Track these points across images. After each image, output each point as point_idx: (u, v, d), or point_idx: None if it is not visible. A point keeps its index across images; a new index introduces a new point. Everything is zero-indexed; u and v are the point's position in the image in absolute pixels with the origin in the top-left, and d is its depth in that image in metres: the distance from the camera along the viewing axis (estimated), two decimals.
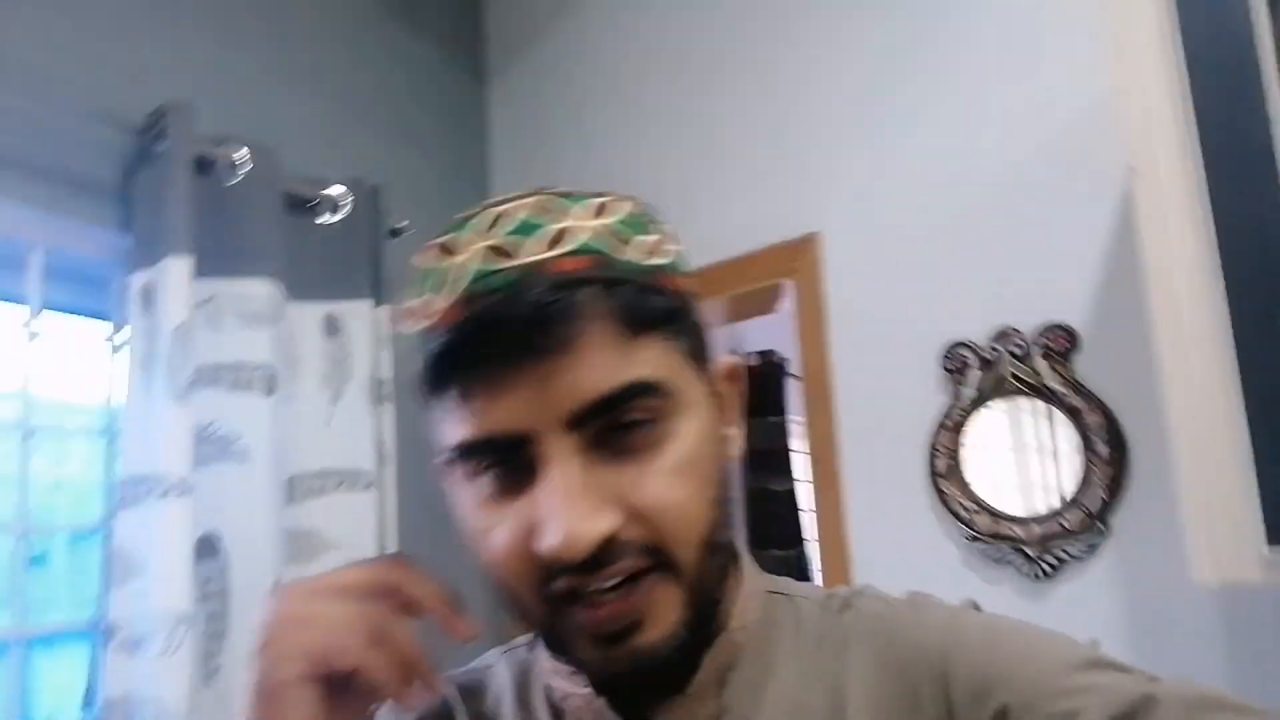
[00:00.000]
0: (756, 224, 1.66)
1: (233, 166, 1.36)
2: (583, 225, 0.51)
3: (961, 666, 0.52)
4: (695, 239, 1.67)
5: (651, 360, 0.51)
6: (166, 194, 1.26)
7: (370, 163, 1.68)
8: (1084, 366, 1.30)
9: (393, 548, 1.48)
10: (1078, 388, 1.30)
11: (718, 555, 0.53)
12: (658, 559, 0.49)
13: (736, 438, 0.59)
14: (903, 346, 1.47)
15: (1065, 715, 0.46)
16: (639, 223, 0.54)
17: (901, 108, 1.51)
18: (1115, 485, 1.26)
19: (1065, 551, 1.30)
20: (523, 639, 0.65)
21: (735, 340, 3.11)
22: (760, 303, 1.82)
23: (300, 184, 1.48)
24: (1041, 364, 1.34)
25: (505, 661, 0.65)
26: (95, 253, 1.34)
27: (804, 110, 1.63)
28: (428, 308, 0.52)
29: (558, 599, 0.49)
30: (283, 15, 1.67)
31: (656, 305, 0.52)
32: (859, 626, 0.57)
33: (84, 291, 1.37)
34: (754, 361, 1.95)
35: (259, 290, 1.33)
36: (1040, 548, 1.32)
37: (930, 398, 1.44)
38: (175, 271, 1.22)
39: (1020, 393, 1.36)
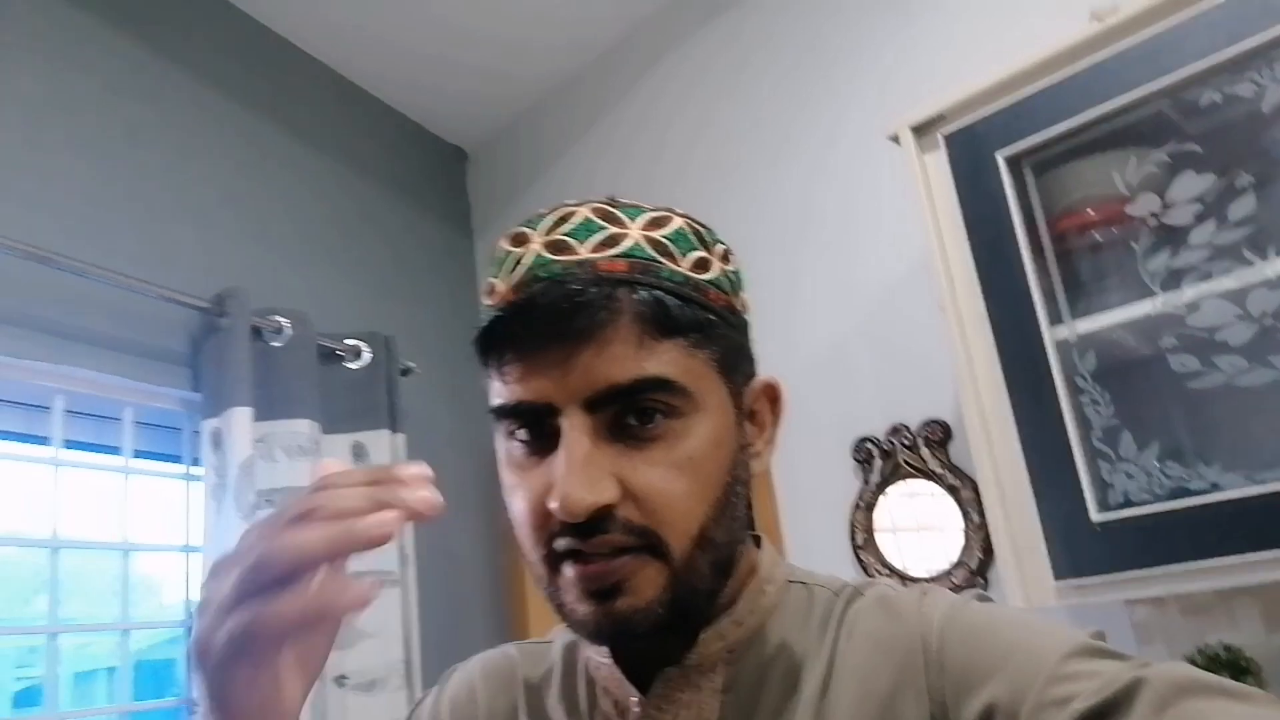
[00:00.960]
0: None
1: (278, 332, 1.72)
2: (633, 233, 0.55)
3: (958, 653, 0.52)
4: None
5: (671, 361, 0.54)
6: (229, 358, 1.61)
7: (384, 317, 2.05)
8: (956, 452, 1.63)
9: (416, 638, 1.77)
10: (954, 469, 1.63)
11: (710, 550, 0.54)
12: (647, 540, 0.52)
13: (764, 452, 0.62)
14: (823, 443, 1.80)
15: (1058, 700, 0.46)
16: (688, 239, 0.58)
17: (810, 254, 1.89)
18: (988, 546, 1.57)
19: None
20: None
21: None
22: None
23: (329, 340, 1.84)
24: (925, 451, 1.66)
25: (562, 638, 0.69)
26: (173, 407, 1.68)
27: (741, 252, 2.00)
28: (492, 289, 0.58)
29: (558, 555, 0.53)
30: (307, 203, 2.06)
31: (686, 313, 0.55)
32: (864, 612, 0.58)
33: (165, 439, 1.71)
34: None
35: (301, 428, 1.67)
36: None
37: (846, 483, 1.76)
38: (238, 418, 1.56)
39: (912, 475, 1.68)
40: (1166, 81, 1.11)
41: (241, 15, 2.02)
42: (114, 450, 1.59)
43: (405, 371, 1.96)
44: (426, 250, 2.37)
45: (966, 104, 1.30)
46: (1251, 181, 1.07)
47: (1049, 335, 1.19)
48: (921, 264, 1.66)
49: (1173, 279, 1.12)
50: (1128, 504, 1.12)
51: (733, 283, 0.60)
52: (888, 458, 1.70)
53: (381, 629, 1.70)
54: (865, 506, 1.72)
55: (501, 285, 0.56)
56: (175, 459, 1.70)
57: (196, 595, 1.56)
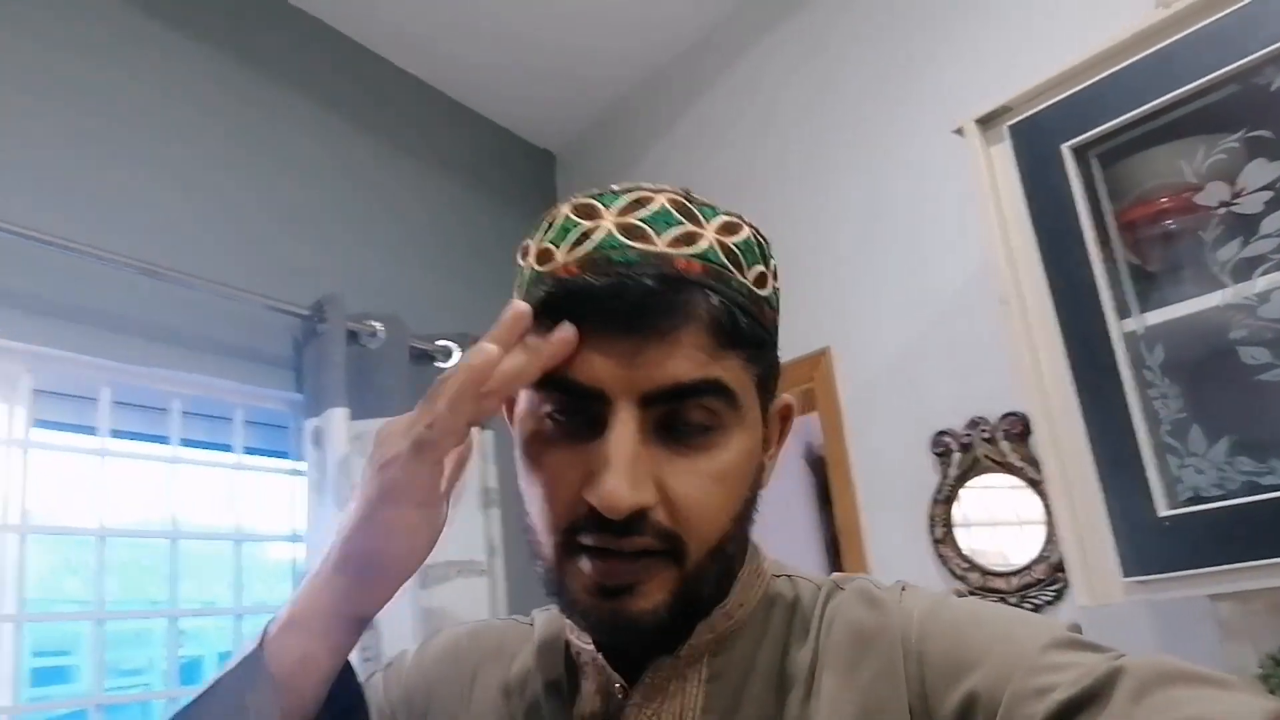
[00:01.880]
0: (786, 342, 2.02)
1: (372, 335, 1.83)
2: (709, 235, 0.55)
3: (938, 644, 0.52)
4: None
5: (731, 370, 0.54)
6: (327, 361, 1.72)
7: (474, 317, 2.13)
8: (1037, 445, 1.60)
9: None
10: (1034, 463, 1.60)
11: (722, 560, 0.55)
12: (671, 545, 0.52)
13: (771, 467, 0.62)
14: (901, 437, 1.80)
15: (1038, 690, 0.46)
16: (754, 251, 0.57)
17: (882, 248, 1.88)
18: None
19: (1039, 597, 1.58)
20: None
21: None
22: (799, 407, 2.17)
23: (421, 340, 1.94)
24: (1005, 445, 1.65)
25: (543, 619, 0.70)
26: (278, 407, 1.81)
27: (815, 253, 2.02)
28: (549, 255, 0.57)
29: (576, 545, 0.53)
30: (401, 210, 2.17)
31: (746, 327, 0.55)
32: (846, 606, 0.58)
33: (273, 436, 1.84)
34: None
35: None
36: (1019, 596, 1.60)
37: (925, 477, 1.75)
38: (337, 418, 1.67)
39: (992, 469, 1.67)
40: (1235, 66, 1.08)
41: (337, 35, 2.14)
42: (227, 448, 1.73)
43: None
44: (515, 245, 2.45)
45: (1031, 95, 1.29)
46: None
47: (1116, 328, 1.17)
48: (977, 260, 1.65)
49: (1243, 269, 1.09)
50: (1197, 500, 1.09)
51: (777, 301, 0.61)
52: (966, 451, 1.69)
53: (470, 615, 1.79)
54: (944, 500, 1.72)
55: (562, 256, 0.55)
56: (283, 455, 1.83)
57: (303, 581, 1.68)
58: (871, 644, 0.55)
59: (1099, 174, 1.23)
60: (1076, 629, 0.52)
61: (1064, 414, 1.22)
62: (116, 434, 1.56)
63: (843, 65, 2.01)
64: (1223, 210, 1.11)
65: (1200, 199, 1.13)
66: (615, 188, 0.57)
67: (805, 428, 3.62)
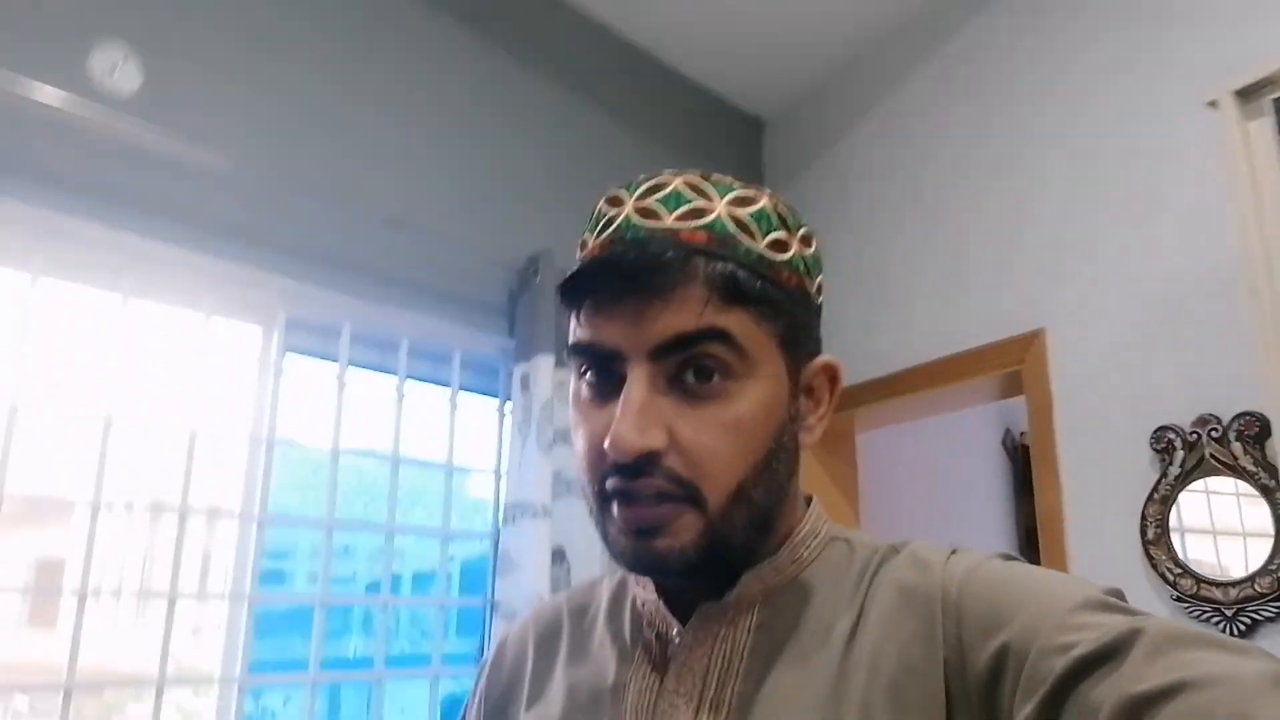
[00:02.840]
0: (992, 320, 1.96)
1: None
2: (718, 208, 0.59)
3: (975, 603, 0.54)
4: (941, 333, 2.11)
5: (736, 323, 0.57)
6: (538, 312, 1.81)
7: None
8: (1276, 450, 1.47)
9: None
10: (1270, 469, 1.47)
11: (747, 507, 0.58)
12: (687, 491, 0.56)
13: (816, 427, 0.64)
14: (1117, 429, 1.70)
15: (1060, 647, 0.48)
16: (769, 219, 0.60)
17: (1105, 226, 1.77)
18: None
19: (1259, 613, 1.46)
20: None
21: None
22: (999, 389, 2.09)
23: None
24: (1237, 447, 1.52)
25: (609, 580, 0.74)
26: (492, 351, 1.93)
27: (1030, 231, 1.92)
28: (585, 243, 0.64)
29: (609, 494, 0.58)
30: (612, 172, 2.23)
31: (755, 287, 0.58)
32: (897, 566, 0.60)
33: (485, 378, 1.96)
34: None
35: None
36: (1236, 609, 1.48)
37: (1141, 474, 1.65)
38: (543, 365, 1.77)
39: (1218, 472, 1.54)
40: None
41: (558, 5, 2.23)
42: (444, 384, 1.86)
43: None
44: None
45: None
46: None
47: None
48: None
49: None
50: None
51: (809, 266, 0.63)
52: (1191, 450, 1.57)
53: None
54: (1160, 500, 1.61)
55: (592, 241, 0.62)
56: (493, 395, 1.96)
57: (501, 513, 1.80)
58: (913, 602, 0.57)
59: None
60: (1116, 593, 0.53)
61: None
62: (353, 364, 1.72)
63: (1069, 35, 1.89)
64: None
65: None
66: (643, 177, 0.63)
67: (1001, 412, 3.47)
